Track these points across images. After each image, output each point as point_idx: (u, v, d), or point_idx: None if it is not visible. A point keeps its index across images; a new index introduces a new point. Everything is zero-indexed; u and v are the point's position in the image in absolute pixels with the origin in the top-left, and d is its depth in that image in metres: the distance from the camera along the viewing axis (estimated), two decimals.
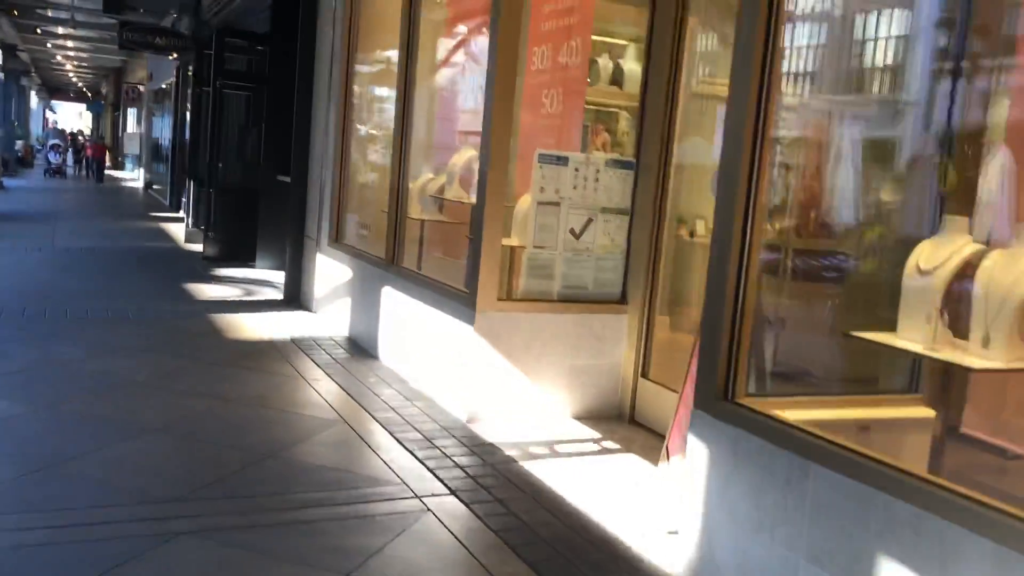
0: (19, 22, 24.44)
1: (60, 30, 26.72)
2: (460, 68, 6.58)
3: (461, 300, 5.13)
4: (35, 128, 31.31)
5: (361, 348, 6.78)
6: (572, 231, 5.19)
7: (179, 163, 19.26)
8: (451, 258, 6.41)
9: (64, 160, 24.78)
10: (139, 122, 31.14)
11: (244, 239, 11.13)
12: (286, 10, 10.20)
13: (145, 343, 6.48)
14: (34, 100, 45.15)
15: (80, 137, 26.79)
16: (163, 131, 23.91)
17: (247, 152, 12.13)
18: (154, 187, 24.61)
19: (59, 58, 34.31)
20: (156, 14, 16.17)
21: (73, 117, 59.62)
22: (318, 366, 6.17)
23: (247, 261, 11.12)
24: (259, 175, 11.06)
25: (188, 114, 16.86)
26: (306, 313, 8.18)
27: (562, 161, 5.12)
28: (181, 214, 17.73)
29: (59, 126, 29.73)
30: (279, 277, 10.09)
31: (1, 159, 26.07)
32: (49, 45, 29.47)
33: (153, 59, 24.10)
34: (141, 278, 9.64)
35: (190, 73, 17.37)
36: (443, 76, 6.91)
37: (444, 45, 6.76)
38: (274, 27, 10.43)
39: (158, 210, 18.98)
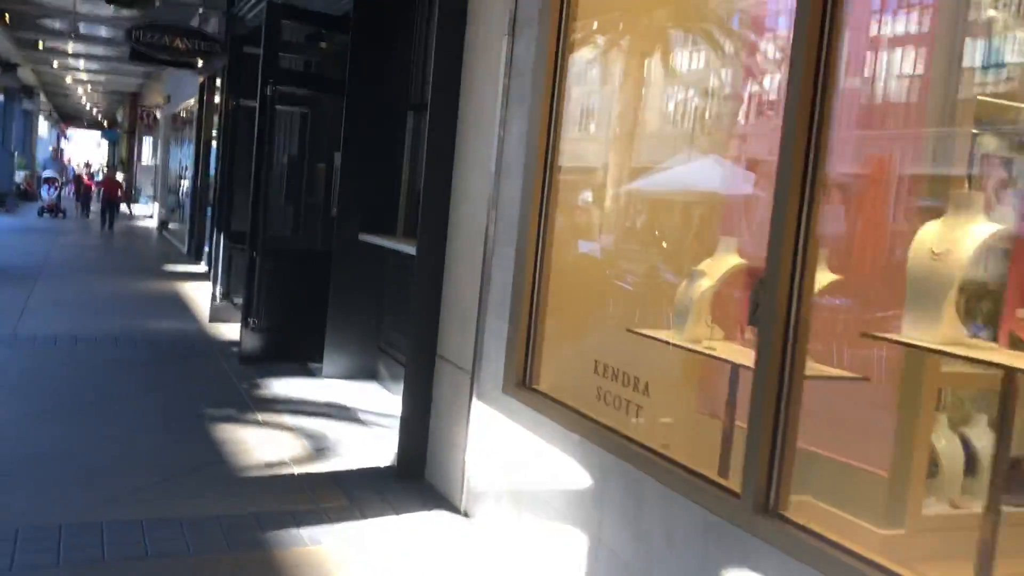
0: (17, 36, 20.93)
1: (70, 48, 23.27)
2: None
3: None
4: (45, 158, 27.57)
5: None
6: None
7: (199, 202, 15.52)
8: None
9: (60, 196, 20.82)
10: (155, 152, 27.56)
11: (303, 329, 7.26)
12: None
13: None
14: (44, 127, 41.85)
15: (86, 170, 22.52)
16: (182, 162, 20.25)
17: (307, 197, 8.32)
18: (169, 226, 20.89)
19: (69, 80, 30.89)
20: (176, 10, 12.48)
21: (90, 147, 56.35)
22: None
23: (305, 361, 7.24)
24: (331, 233, 7.23)
25: (214, 142, 13.13)
26: (448, 516, 4.24)
27: None
28: (203, 267, 13.92)
29: (63, 156, 25.78)
30: (360, 397, 6.21)
31: None
32: (56, 64, 25.99)
33: (173, 77, 20.51)
34: (136, 412, 5.70)
35: (217, 87, 13.66)
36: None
37: None
38: (361, 4, 6.61)
39: (174, 260, 15.17)
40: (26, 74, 27.88)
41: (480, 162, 4.36)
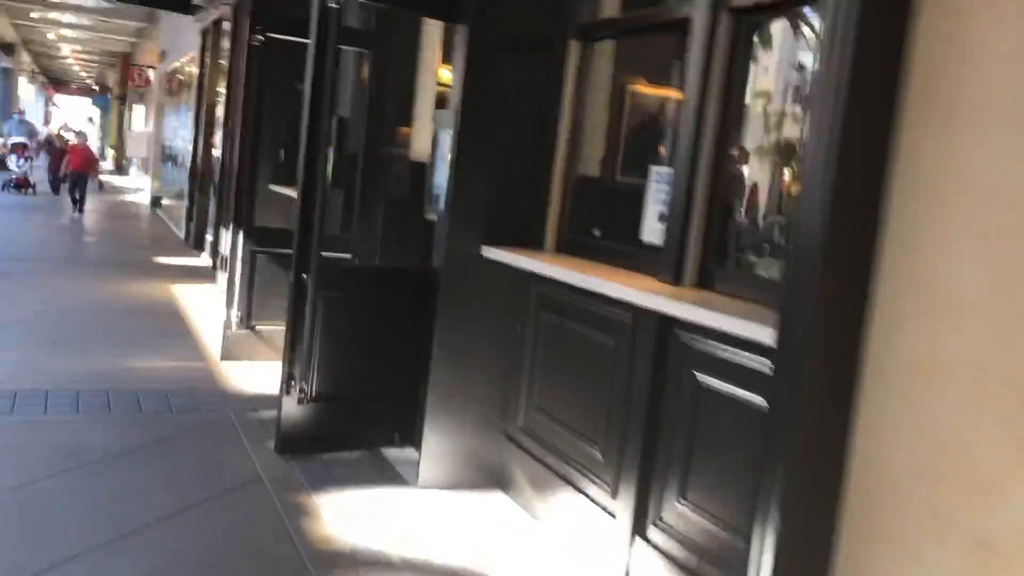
0: None
1: None
2: None
3: None
4: (11, 120, 24.03)
5: None
6: None
7: (199, 176, 12.68)
8: None
9: (30, 168, 17.53)
10: (147, 119, 24.58)
11: (379, 395, 4.52)
12: None
13: None
14: (28, 90, 38.70)
15: (56, 141, 18.63)
16: (178, 130, 17.35)
17: (372, 184, 5.54)
18: (163, 203, 18.01)
19: (52, 36, 27.81)
20: None
21: (79, 114, 53.02)
22: None
23: (382, 444, 4.51)
24: (424, 244, 4.49)
25: (226, 101, 10.28)
26: None
27: None
28: (205, 259, 11.10)
29: (24, 116, 22.29)
30: (501, 546, 3.41)
31: None
32: (35, 16, 22.91)
33: (169, 29, 17.57)
34: None
35: (223, 33, 10.80)
36: None
37: None
38: None
39: (169, 250, 12.31)
40: (4, 28, 24.81)
41: None
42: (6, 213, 14.63)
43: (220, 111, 10.99)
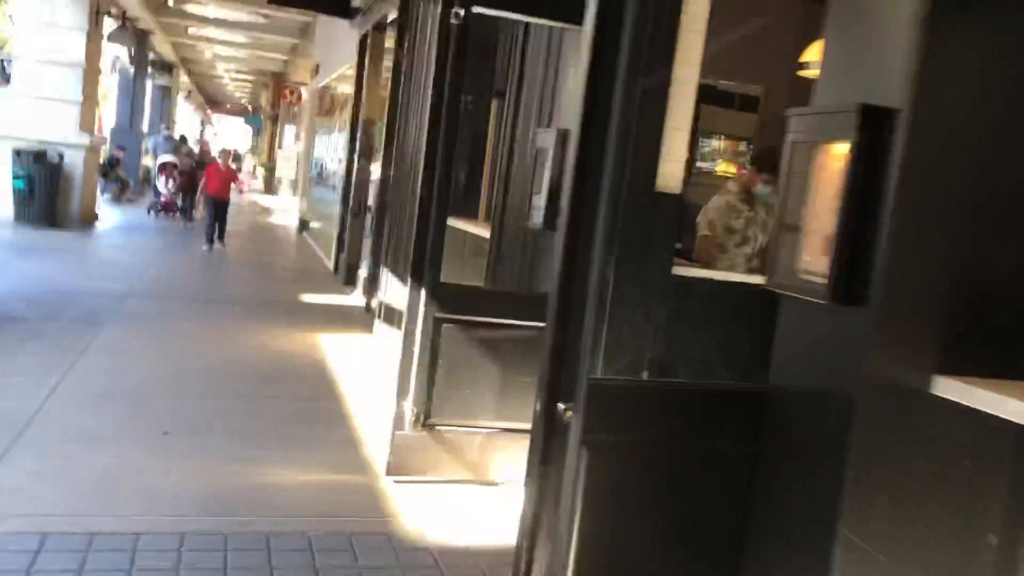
0: None
1: (206, 11, 19.42)
2: None
3: None
4: (155, 137, 22.84)
5: None
6: None
7: (353, 200, 11.10)
8: None
9: (178, 192, 15.75)
10: (297, 138, 23.72)
11: None
12: None
13: None
14: (186, 108, 39.21)
15: (190, 158, 15.54)
16: (331, 150, 16.07)
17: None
18: (312, 226, 16.73)
19: (208, 55, 27.50)
20: None
21: (233, 134, 53.80)
22: None
23: None
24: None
25: (387, 112, 8.64)
26: None
27: None
28: (357, 297, 9.41)
29: (169, 133, 21.05)
30: None
31: (117, 177, 18.78)
32: (190, 31, 22.33)
33: (324, 41, 16.31)
34: None
35: (388, 36, 9.14)
36: None
37: None
38: None
39: (317, 283, 10.74)
40: (164, 48, 24.45)
41: None
42: (146, 239, 13.49)
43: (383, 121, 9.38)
